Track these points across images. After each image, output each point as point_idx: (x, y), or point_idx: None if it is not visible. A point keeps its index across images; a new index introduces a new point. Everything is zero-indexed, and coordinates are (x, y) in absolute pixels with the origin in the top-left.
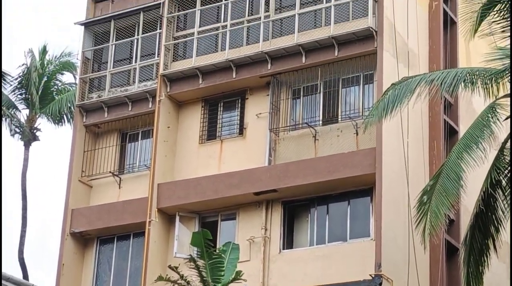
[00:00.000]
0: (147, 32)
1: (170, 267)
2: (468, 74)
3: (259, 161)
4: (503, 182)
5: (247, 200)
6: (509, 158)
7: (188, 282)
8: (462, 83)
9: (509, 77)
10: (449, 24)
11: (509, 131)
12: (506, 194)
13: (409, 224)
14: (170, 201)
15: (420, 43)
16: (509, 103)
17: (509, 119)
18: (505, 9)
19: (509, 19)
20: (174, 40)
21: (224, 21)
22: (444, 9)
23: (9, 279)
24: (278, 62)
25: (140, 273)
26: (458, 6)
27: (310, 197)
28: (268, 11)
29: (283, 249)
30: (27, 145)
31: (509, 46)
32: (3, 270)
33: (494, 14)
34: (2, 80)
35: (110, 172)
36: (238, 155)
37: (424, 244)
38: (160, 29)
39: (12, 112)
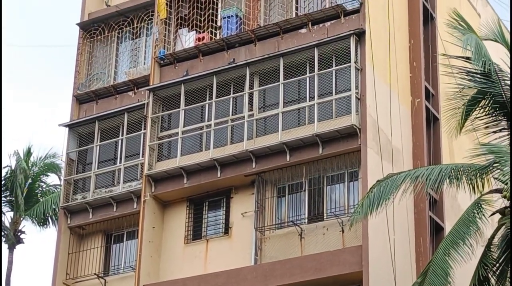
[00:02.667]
0: (131, 133)
1: None
2: (452, 171)
3: (245, 260)
4: (492, 279)
5: None
6: (496, 255)
7: None
8: (447, 180)
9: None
10: (432, 120)
11: (495, 227)
12: None
13: None
14: None
15: (404, 140)
16: (493, 199)
17: (494, 215)
18: (489, 104)
19: (492, 115)
20: (159, 140)
21: (208, 121)
22: (426, 106)
23: None
24: (263, 160)
25: None
26: (441, 103)
27: None
28: (252, 110)
29: None
30: (11, 248)
31: (492, 142)
32: None
33: (479, 110)
34: None
35: (95, 274)
36: (224, 254)
37: None
38: (144, 129)
39: None
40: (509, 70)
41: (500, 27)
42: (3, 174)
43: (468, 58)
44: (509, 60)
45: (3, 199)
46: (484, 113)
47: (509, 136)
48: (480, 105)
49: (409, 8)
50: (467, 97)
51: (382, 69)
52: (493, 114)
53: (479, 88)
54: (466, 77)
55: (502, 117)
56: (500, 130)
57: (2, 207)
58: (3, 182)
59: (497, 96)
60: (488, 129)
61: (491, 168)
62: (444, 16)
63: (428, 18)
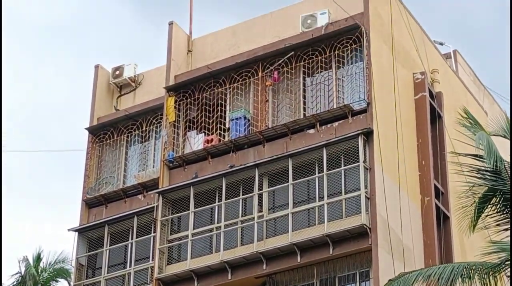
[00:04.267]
0: (141, 236)
1: None
2: (465, 269)
3: None
4: None
5: None
6: None
7: None
8: (460, 278)
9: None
10: (442, 218)
11: None
12: None
13: None
14: None
15: (415, 238)
16: None
17: None
18: (500, 202)
19: (503, 212)
20: (168, 243)
21: (218, 222)
22: (436, 204)
23: None
24: (273, 262)
25: None
26: (450, 201)
27: None
28: (262, 211)
29: None
30: None
31: (504, 240)
32: None
33: (490, 208)
34: None
35: None
36: None
37: None
38: (154, 232)
39: None
40: None
41: (508, 123)
42: (13, 281)
43: (477, 155)
44: None
45: None
46: (495, 210)
47: None
48: (491, 203)
49: (416, 107)
50: (478, 195)
51: (391, 168)
52: (504, 212)
53: (489, 186)
54: (476, 175)
55: None
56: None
57: None
58: None
59: (507, 193)
60: (499, 226)
61: (503, 266)
62: (451, 115)
63: (436, 117)
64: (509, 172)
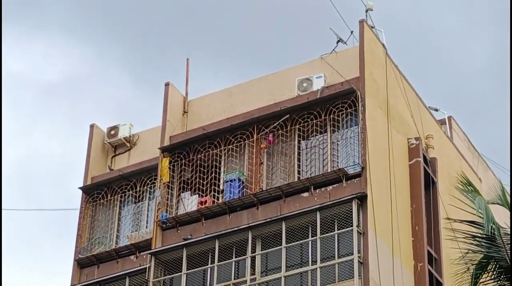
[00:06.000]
0: None
1: None
2: None
3: None
4: None
5: None
6: None
7: None
8: None
9: None
10: (435, 285)
11: None
12: None
13: None
14: None
15: None
16: None
17: None
18: (494, 269)
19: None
20: None
21: (210, 285)
22: (429, 271)
23: None
24: None
25: None
26: (444, 268)
27: None
28: (254, 274)
29: None
30: None
31: None
32: None
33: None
34: None
35: None
36: None
37: None
38: None
39: None
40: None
41: (503, 190)
42: None
43: (473, 222)
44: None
45: None
46: (488, 278)
47: None
48: (486, 270)
49: (410, 173)
50: (474, 262)
51: (385, 233)
52: (498, 280)
53: (485, 253)
54: (472, 241)
55: (507, 283)
56: None
57: None
58: None
59: (501, 260)
60: None
61: None
62: (445, 181)
63: (430, 183)
64: (504, 239)
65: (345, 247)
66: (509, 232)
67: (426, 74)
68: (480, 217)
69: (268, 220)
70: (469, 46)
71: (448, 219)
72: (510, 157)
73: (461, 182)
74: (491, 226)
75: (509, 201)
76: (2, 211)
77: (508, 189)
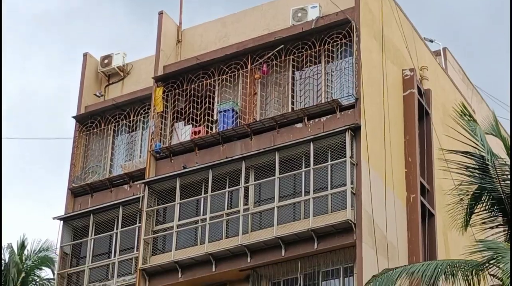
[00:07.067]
0: (126, 226)
1: None
2: (448, 267)
3: None
4: None
5: None
6: None
7: None
8: (443, 276)
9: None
10: (427, 216)
11: None
12: None
13: None
14: None
15: (399, 235)
16: None
17: None
18: (487, 200)
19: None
20: (153, 234)
21: (203, 215)
22: (421, 202)
23: None
24: (258, 255)
25: None
26: (436, 199)
27: None
28: (247, 204)
29: None
30: None
31: (488, 238)
32: None
33: (478, 206)
34: None
35: None
36: None
37: None
38: (139, 223)
39: None
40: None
41: (496, 122)
42: None
43: (467, 152)
44: (505, 155)
45: None
46: (482, 209)
47: (505, 232)
48: (480, 201)
49: (404, 104)
50: (469, 192)
51: (378, 164)
52: (491, 210)
53: (478, 184)
54: (465, 172)
55: (499, 213)
56: (497, 226)
57: None
58: None
59: (494, 192)
60: (484, 225)
61: (487, 265)
62: (439, 112)
63: (424, 114)
64: (497, 170)
65: (338, 178)
66: (504, 163)
67: (422, 5)
68: (475, 147)
69: (262, 150)
70: None
71: (442, 149)
72: (510, 88)
73: (458, 112)
74: (491, 156)
75: (504, 132)
76: None
77: (501, 120)
